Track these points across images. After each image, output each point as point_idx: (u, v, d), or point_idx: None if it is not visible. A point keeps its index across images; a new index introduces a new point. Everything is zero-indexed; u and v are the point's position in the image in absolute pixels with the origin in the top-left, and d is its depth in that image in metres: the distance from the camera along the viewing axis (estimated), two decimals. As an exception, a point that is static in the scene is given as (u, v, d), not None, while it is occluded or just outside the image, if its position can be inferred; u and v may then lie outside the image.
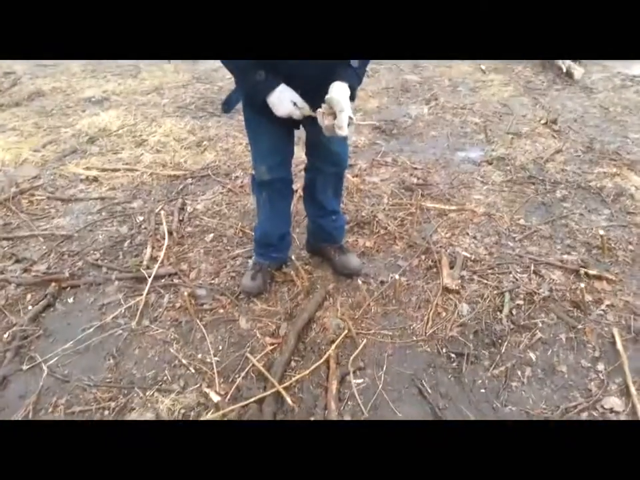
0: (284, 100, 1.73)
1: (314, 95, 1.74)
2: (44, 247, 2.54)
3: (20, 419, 1.67)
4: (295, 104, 1.75)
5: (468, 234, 2.70)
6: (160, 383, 1.82)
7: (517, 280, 2.35)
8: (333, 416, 1.70)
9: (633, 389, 1.78)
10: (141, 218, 2.79)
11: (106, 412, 1.71)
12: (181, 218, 2.79)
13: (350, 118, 1.72)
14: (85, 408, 1.72)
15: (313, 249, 2.47)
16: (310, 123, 1.82)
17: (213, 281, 2.31)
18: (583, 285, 2.17)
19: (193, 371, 1.87)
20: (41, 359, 1.91)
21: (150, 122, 4.14)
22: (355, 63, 1.75)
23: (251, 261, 2.33)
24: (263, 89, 1.72)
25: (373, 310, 2.17)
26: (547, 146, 3.69)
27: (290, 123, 1.86)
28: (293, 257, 2.25)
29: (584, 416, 1.73)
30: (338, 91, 1.71)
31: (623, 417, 1.70)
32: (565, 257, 2.52)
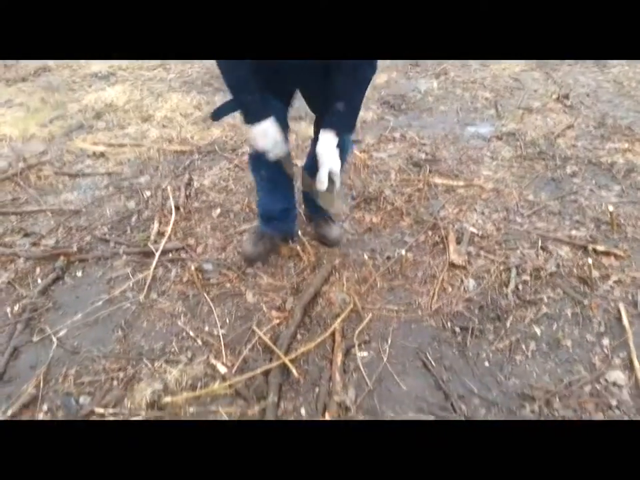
0: (267, 136, 1.74)
1: (311, 96, 1.82)
2: (52, 222, 2.56)
3: (31, 388, 1.71)
4: (276, 143, 1.77)
5: (476, 210, 2.69)
6: (168, 354, 1.85)
7: (524, 256, 2.34)
8: (338, 388, 1.73)
9: (637, 363, 1.78)
10: (148, 193, 2.80)
11: (115, 382, 1.74)
12: (187, 193, 2.80)
13: (333, 175, 1.77)
14: (94, 378, 1.75)
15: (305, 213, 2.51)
16: (310, 99, 1.84)
17: (219, 256, 2.32)
18: (590, 261, 2.15)
19: (200, 343, 1.90)
20: (50, 330, 1.94)
21: (156, 97, 4.12)
22: (340, 106, 1.72)
23: (254, 228, 2.34)
24: (252, 114, 1.73)
25: (378, 285, 2.18)
26: (558, 121, 3.63)
27: (284, 97, 1.87)
28: (299, 233, 2.25)
29: (587, 389, 1.74)
30: (321, 142, 1.74)
31: (625, 391, 1.71)
32: (574, 232, 2.50)
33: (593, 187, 2.86)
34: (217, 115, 1.86)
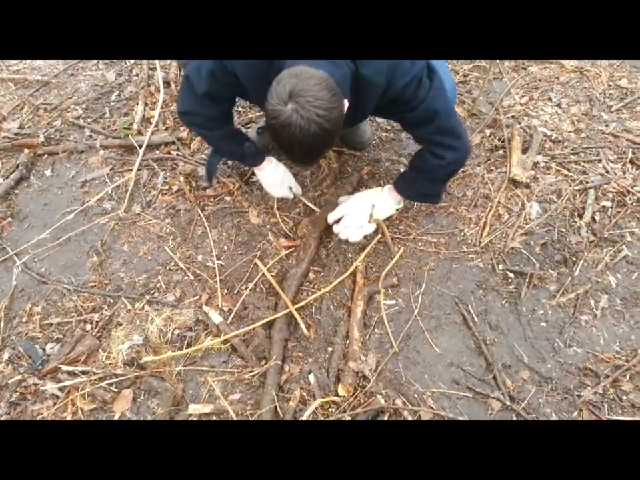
0: (277, 180, 1.58)
1: None
2: (15, 97, 2.06)
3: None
4: (290, 188, 1.62)
5: (551, 99, 2.07)
6: (152, 292, 1.53)
7: (606, 172, 1.81)
8: (356, 348, 1.41)
9: None
10: (132, 60, 2.21)
11: (88, 326, 1.45)
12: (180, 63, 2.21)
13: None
14: (64, 320, 1.46)
15: None
16: None
17: (218, 156, 1.85)
18: (698, 189, 1.64)
19: (192, 277, 1.56)
20: (13, 251, 1.61)
21: None
22: (412, 174, 1.50)
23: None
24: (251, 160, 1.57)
25: (415, 206, 1.73)
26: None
27: None
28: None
29: (667, 367, 1.39)
30: (358, 195, 1.61)
31: None
32: (675, 138, 1.92)
33: None
34: (210, 175, 1.66)
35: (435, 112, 1.28)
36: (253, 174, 1.77)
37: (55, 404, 1.32)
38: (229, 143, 1.48)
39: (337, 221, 1.58)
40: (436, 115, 1.29)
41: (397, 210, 1.62)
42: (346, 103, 1.11)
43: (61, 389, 1.33)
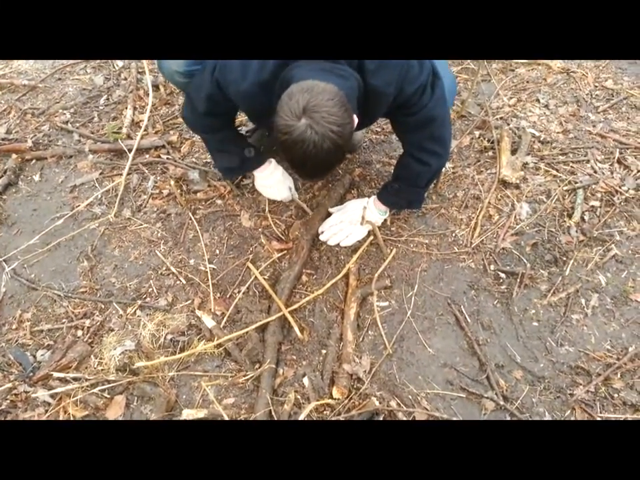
0: (276, 181, 1.60)
1: None
2: (2, 102, 2.04)
3: (-18, 334, 1.42)
4: (290, 188, 1.62)
5: (538, 100, 2.09)
6: (144, 297, 1.51)
7: (594, 172, 1.83)
8: (349, 350, 1.41)
9: None
10: (120, 64, 2.20)
11: (79, 332, 1.44)
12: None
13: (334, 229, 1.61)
14: (55, 326, 1.44)
15: None
16: None
17: (209, 160, 1.84)
18: (685, 188, 1.66)
19: (184, 281, 1.55)
20: (2, 257, 1.59)
21: None
22: (395, 185, 1.52)
23: None
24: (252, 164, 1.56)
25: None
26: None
27: None
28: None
29: (657, 364, 1.41)
30: (348, 205, 1.64)
31: None
32: (661, 138, 1.95)
33: (695, 71, 2.20)
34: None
35: (433, 119, 1.30)
36: (245, 177, 1.76)
37: (46, 411, 1.30)
38: (229, 146, 1.49)
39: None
40: (433, 121, 1.30)
41: (384, 218, 1.64)
42: (355, 119, 1.10)
43: (52, 396, 1.31)
